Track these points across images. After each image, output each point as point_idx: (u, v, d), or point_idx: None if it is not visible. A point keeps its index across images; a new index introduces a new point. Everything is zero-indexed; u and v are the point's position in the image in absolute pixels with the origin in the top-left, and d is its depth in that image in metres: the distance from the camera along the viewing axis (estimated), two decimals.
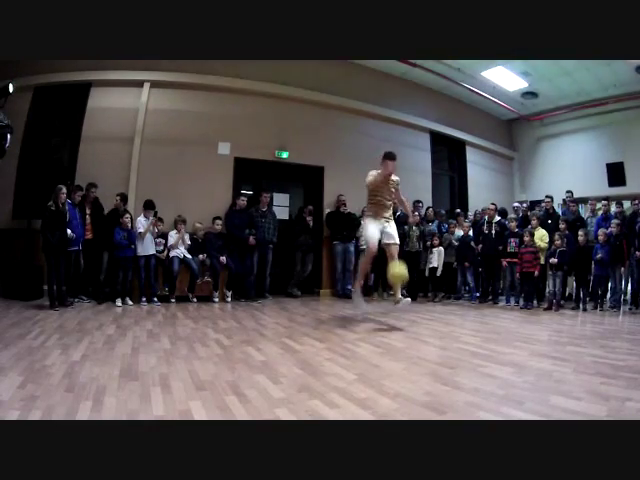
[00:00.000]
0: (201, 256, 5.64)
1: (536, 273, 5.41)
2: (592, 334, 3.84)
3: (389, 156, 4.15)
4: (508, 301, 5.80)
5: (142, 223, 5.23)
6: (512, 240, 5.76)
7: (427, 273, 6.30)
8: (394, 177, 4.28)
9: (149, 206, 5.32)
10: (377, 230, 4.18)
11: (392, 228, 4.27)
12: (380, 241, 4.18)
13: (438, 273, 6.20)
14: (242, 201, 5.99)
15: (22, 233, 5.37)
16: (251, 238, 5.86)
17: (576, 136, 8.62)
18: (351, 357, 2.76)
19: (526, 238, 5.54)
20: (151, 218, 5.30)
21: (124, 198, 5.41)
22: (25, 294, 4.99)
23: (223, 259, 5.66)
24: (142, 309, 4.82)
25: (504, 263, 5.78)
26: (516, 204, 7.39)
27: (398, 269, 3.99)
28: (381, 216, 4.24)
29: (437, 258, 6.23)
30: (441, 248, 6.24)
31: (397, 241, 4.26)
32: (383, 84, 7.68)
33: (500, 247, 5.88)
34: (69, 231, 4.68)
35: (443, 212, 7.22)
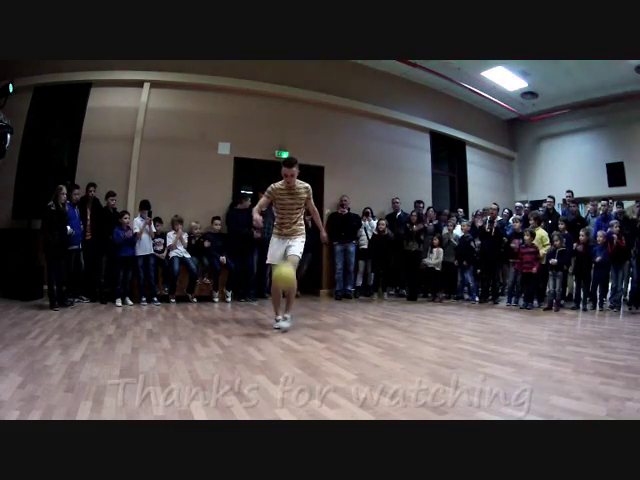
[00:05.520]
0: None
1: (534, 270, 5.40)
2: (592, 334, 3.83)
3: (283, 162, 3.72)
4: (509, 301, 5.80)
5: (138, 223, 5.24)
6: (516, 240, 5.74)
7: (422, 266, 6.28)
8: (302, 185, 3.78)
9: (144, 206, 5.34)
10: (279, 253, 3.72)
11: (297, 244, 3.74)
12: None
13: (438, 268, 6.18)
14: (246, 201, 5.91)
15: (22, 233, 5.37)
16: (255, 232, 5.64)
17: (576, 136, 8.61)
18: (351, 357, 2.76)
19: (526, 237, 5.53)
20: (146, 218, 5.30)
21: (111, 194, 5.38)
22: (25, 294, 4.99)
23: (223, 259, 5.65)
24: (142, 309, 4.82)
25: (514, 266, 5.75)
26: (518, 204, 7.38)
27: (285, 270, 3.46)
28: (287, 231, 3.76)
29: (435, 259, 6.22)
30: (440, 249, 6.23)
31: (297, 254, 3.73)
32: (383, 84, 7.68)
33: (502, 247, 5.88)
34: (68, 227, 4.68)
35: (442, 212, 7.21)
